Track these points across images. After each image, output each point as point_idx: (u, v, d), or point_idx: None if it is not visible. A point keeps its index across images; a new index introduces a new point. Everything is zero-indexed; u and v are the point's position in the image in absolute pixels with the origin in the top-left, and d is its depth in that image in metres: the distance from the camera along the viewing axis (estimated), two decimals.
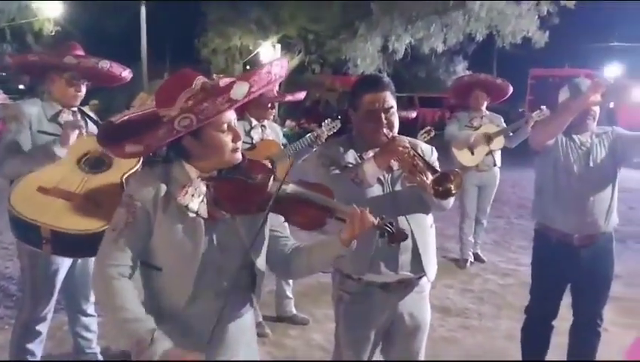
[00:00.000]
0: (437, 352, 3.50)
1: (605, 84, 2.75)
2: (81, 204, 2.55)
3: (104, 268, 1.59)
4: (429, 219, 2.35)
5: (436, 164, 2.30)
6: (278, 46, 19.00)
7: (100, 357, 3.19)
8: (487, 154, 5.27)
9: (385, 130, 2.22)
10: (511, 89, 5.38)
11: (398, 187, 2.28)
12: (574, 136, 2.92)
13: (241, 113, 3.42)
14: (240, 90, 1.55)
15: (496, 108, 5.59)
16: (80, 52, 2.93)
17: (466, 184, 5.04)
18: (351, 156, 2.31)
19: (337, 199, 1.76)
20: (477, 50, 23.33)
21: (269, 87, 1.77)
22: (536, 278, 3.15)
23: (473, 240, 5.66)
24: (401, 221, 2.16)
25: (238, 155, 1.69)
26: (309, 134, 3.68)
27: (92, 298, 3.07)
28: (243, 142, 1.89)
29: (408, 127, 2.54)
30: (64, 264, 2.84)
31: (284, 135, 3.91)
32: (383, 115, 2.23)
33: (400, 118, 2.34)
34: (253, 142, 3.49)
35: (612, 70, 17.87)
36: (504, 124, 5.35)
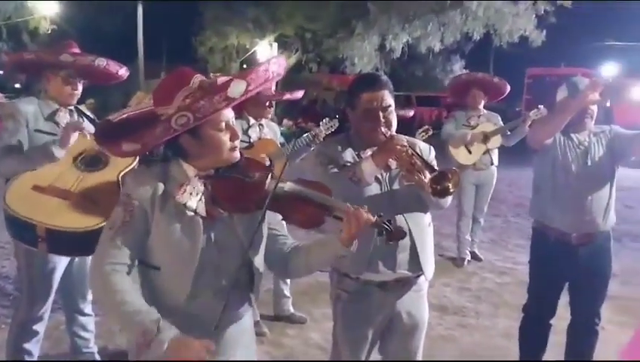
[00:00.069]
0: (434, 351, 3.50)
1: (603, 83, 2.75)
2: (77, 202, 2.54)
3: (101, 266, 1.59)
4: (427, 217, 2.35)
5: (434, 163, 2.29)
6: (275, 45, 18.99)
7: (98, 357, 3.18)
8: (484, 153, 5.28)
9: (383, 129, 2.22)
10: (508, 88, 5.38)
11: (396, 186, 2.28)
12: (572, 135, 2.92)
13: (239, 112, 3.41)
14: (237, 89, 1.55)
15: (492, 107, 5.60)
16: (76, 50, 2.92)
17: (463, 183, 5.05)
18: (349, 155, 2.31)
19: (335, 198, 1.76)
20: (474, 49, 23.37)
21: (266, 86, 1.76)
22: (534, 277, 3.16)
23: (470, 239, 5.67)
24: (399, 219, 2.16)
25: (236, 154, 1.69)
26: (307, 133, 3.67)
27: (89, 297, 3.06)
28: (241, 140, 1.88)
29: (406, 126, 2.55)
30: (61, 263, 2.83)
31: (281, 134, 3.91)
32: (380, 114, 2.23)
33: (397, 116, 2.34)
34: (251, 140, 3.49)
35: (608, 69, 17.89)
36: (501, 123, 5.35)
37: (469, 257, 5.62)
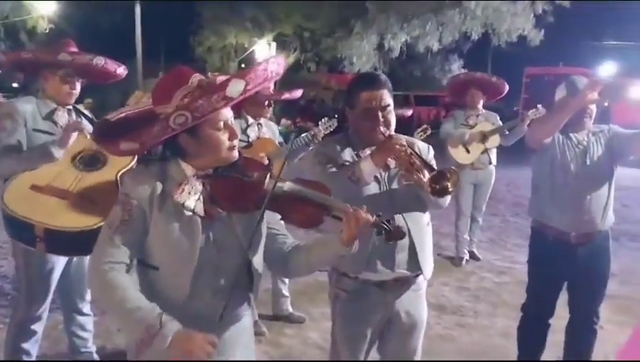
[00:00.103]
0: (432, 350, 3.50)
1: (602, 83, 2.75)
2: (76, 202, 2.54)
3: (99, 265, 1.58)
4: (426, 217, 2.35)
5: (433, 162, 2.29)
6: (274, 44, 18.99)
7: (96, 357, 3.17)
8: (482, 153, 5.28)
9: (382, 129, 2.22)
10: (507, 87, 5.38)
11: (394, 185, 2.28)
12: (571, 135, 2.92)
13: (238, 111, 3.41)
14: (236, 88, 1.54)
15: (490, 106, 5.60)
16: (74, 49, 2.91)
17: (461, 182, 5.04)
18: (348, 154, 2.30)
19: (334, 197, 1.76)
20: (472, 49, 23.35)
21: (265, 85, 1.76)
22: (532, 276, 3.16)
23: (469, 238, 5.68)
24: (398, 219, 2.16)
25: (235, 153, 1.69)
26: (306, 133, 3.67)
27: (88, 297, 3.05)
28: (239, 140, 1.88)
29: (404, 126, 2.55)
30: (59, 263, 2.82)
31: (279, 133, 3.90)
32: (379, 113, 2.23)
33: (396, 116, 2.33)
34: (250, 140, 3.48)
35: (606, 69, 17.92)
36: (500, 123, 5.35)
37: (467, 256, 5.62)
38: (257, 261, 1.76)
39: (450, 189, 2.14)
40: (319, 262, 1.80)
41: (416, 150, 2.24)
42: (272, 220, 1.82)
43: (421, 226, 2.30)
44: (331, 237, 1.74)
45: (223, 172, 1.68)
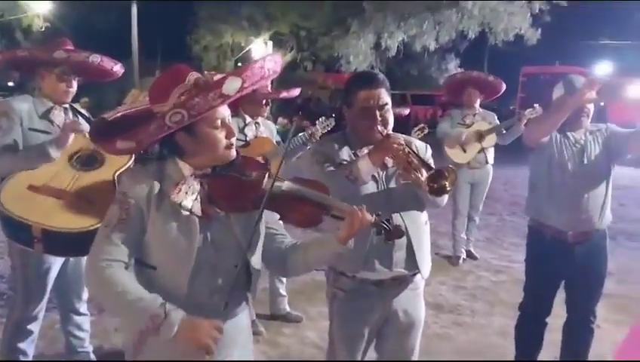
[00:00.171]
0: (430, 349, 3.50)
1: (600, 82, 2.76)
2: (73, 202, 2.52)
3: (97, 263, 1.57)
4: (424, 216, 2.34)
5: (431, 161, 2.29)
6: (270, 43, 18.96)
7: (93, 357, 3.16)
8: (479, 152, 5.28)
9: (379, 127, 2.21)
10: (504, 87, 5.38)
11: (392, 184, 2.27)
12: (568, 134, 2.93)
13: (235, 110, 3.40)
14: (232, 86, 1.53)
15: (486, 105, 5.60)
16: (70, 48, 2.89)
17: (458, 181, 5.04)
18: (345, 153, 2.30)
19: (332, 196, 1.76)
20: (468, 48, 23.39)
21: (262, 83, 1.74)
22: (530, 275, 3.16)
23: (466, 238, 5.68)
24: (396, 218, 2.15)
25: (233, 152, 1.68)
26: (303, 132, 3.66)
27: (85, 296, 3.04)
28: (237, 139, 1.87)
29: (401, 125, 2.55)
30: (56, 262, 2.81)
31: (277, 132, 3.90)
32: (377, 112, 2.22)
33: (394, 115, 2.33)
34: (247, 139, 3.47)
35: (602, 68, 17.99)
36: (497, 122, 5.35)
37: (464, 255, 5.63)
38: (255, 260, 1.76)
39: (448, 188, 2.14)
40: (317, 261, 1.80)
41: (414, 149, 2.24)
42: (271, 220, 1.81)
43: (419, 225, 2.30)
44: (329, 236, 1.74)
45: (220, 171, 1.67)
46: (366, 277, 2.26)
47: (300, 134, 3.66)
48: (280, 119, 14.46)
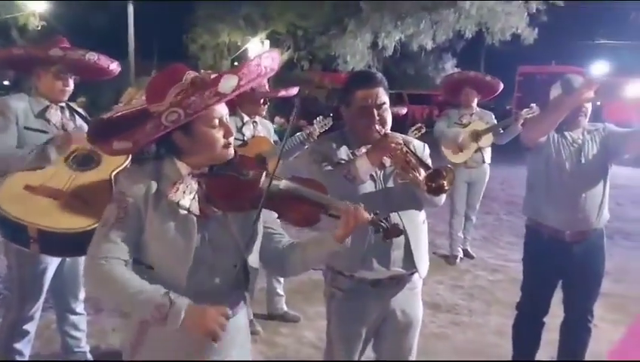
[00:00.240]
0: (427, 348, 3.50)
1: (598, 81, 2.76)
2: (69, 202, 2.50)
3: (95, 261, 1.56)
4: (422, 215, 2.34)
5: (429, 161, 2.29)
6: (267, 42, 18.92)
7: (90, 356, 3.15)
8: (475, 151, 5.29)
9: (377, 127, 2.21)
10: (501, 86, 5.39)
11: (390, 183, 2.27)
12: (566, 133, 2.93)
13: (233, 109, 3.39)
14: (228, 84, 1.52)
15: (483, 105, 5.61)
16: (66, 46, 2.88)
17: (455, 180, 5.05)
18: (343, 152, 2.29)
19: (330, 195, 1.75)
20: (465, 47, 23.42)
21: (259, 81, 1.73)
22: (527, 275, 3.16)
23: (463, 237, 5.69)
24: (394, 217, 2.15)
25: (230, 151, 1.67)
26: (301, 132, 3.66)
27: (81, 296, 3.03)
28: (235, 138, 1.86)
29: (398, 124, 2.54)
30: (52, 262, 2.80)
31: (274, 131, 3.89)
32: (375, 111, 2.22)
33: (391, 114, 2.32)
34: (245, 138, 3.47)
35: (598, 68, 18.03)
36: (494, 121, 5.37)
37: (461, 255, 5.64)
38: (253, 260, 1.75)
39: (446, 187, 2.14)
40: (314, 260, 1.79)
41: (412, 148, 2.24)
42: (269, 219, 1.80)
43: (417, 224, 2.30)
44: (326, 235, 1.74)
45: (218, 170, 1.67)
46: (364, 276, 2.26)
47: (298, 134, 3.65)
48: (277, 118, 14.46)
